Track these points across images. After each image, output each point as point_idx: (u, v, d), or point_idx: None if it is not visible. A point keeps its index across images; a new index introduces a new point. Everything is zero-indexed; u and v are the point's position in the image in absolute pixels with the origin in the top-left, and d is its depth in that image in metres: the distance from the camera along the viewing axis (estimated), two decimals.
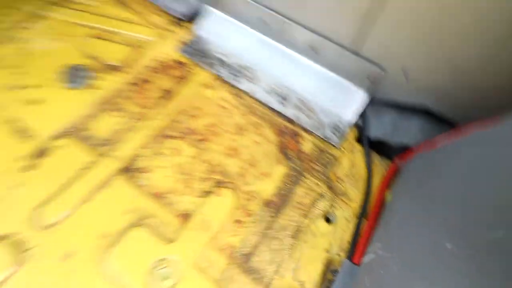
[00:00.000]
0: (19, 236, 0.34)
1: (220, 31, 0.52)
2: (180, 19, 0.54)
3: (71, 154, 0.40)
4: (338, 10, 0.41)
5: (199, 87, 0.49)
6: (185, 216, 0.38)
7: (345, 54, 0.45)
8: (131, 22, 0.53)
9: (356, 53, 0.45)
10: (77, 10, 0.53)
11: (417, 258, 0.29)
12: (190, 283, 0.33)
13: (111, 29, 0.52)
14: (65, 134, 0.42)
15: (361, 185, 0.43)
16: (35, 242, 0.34)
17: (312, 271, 0.37)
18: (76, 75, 0.46)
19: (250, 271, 0.35)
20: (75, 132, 0.42)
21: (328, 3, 0.40)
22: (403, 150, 0.44)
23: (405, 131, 0.44)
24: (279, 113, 0.47)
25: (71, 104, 0.44)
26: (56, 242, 0.34)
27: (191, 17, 0.54)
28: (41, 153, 0.40)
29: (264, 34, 0.51)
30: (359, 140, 0.47)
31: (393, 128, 0.45)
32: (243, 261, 0.36)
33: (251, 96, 0.48)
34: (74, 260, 0.33)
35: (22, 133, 0.41)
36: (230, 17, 0.53)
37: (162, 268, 0.34)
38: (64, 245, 0.34)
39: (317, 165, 0.44)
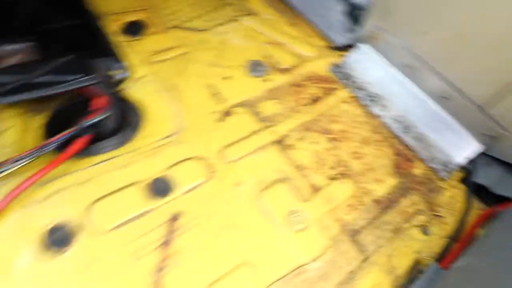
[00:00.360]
0: (211, 161, 0.50)
1: (365, 63, 0.65)
2: (336, 47, 0.69)
3: (245, 120, 0.56)
4: (482, 73, 0.50)
5: (339, 101, 0.62)
6: (315, 188, 0.50)
7: (473, 108, 0.54)
8: (297, 39, 0.69)
9: (483, 110, 0.53)
10: (261, 21, 0.72)
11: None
12: (314, 231, 0.45)
13: (283, 41, 0.69)
14: (242, 105, 0.58)
15: (457, 215, 0.51)
16: (219, 168, 0.49)
17: (403, 263, 0.45)
18: (256, 68, 0.63)
19: (355, 242, 0.46)
20: (249, 106, 0.58)
21: (476, 67, 0.50)
22: (503, 201, 0.50)
23: (511, 187, 0.51)
24: (400, 139, 0.57)
25: (250, 87, 0.61)
26: (232, 172, 0.49)
27: (345, 48, 0.69)
28: (227, 113, 0.57)
29: (403, 73, 0.62)
30: (464, 180, 0.54)
31: (499, 180, 0.52)
32: (351, 234, 0.46)
33: (379, 119, 0.60)
34: (241, 188, 0.48)
35: (217, 96, 0.59)
36: (377, 54, 0.65)
37: (296, 216, 0.46)
38: (236, 176, 0.49)
39: (423, 188, 0.53)
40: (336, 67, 0.66)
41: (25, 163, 0.43)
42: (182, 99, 0.58)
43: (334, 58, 0.68)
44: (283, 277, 0.41)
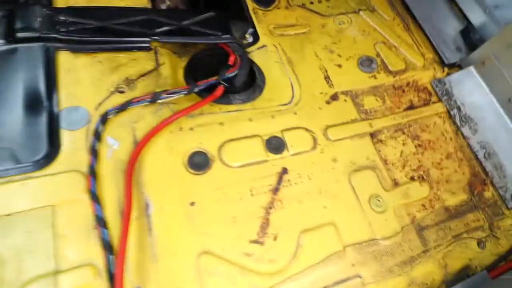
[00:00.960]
0: (316, 135, 0.58)
1: (467, 84, 0.69)
2: (444, 62, 0.72)
3: (347, 107, 0.64)
4: None
5: (434, 113, 0.67)
6: (396, 182, 0.58)
7: None
8: (410, 46, 0.73)
9: None
10: (379, 20, 0.76)
11: None
12: (390, 216, 0.54)
13: (396, 44, 0.73)
14: (347, 93, 0.65)
15: None
16: (321, 143, 0.58)
17: (455, 264, 0.53)
18: (367, 63, 0.69)
19: (420, 235, 0.54)
20: (353, 96, 0.65)
21: None
22: None
23: None
24: (480, 162, 0.62)
25: (357, 79, 0.67)
26: (331, 149, 0.58)
27: (452, 65, 0.72)
28: (334, 97, 0.64)
29: (501, 104, 0.66)
30: None
31: None
32: (418, 228, 0.55)
33: (466, 140, 0.64)
34: (337, 164, 0.56)
35: (327, 79, 0.66)
36: (481, 79, 0.68)
37: (377, 200, 0.54)
38: (334, 153, 0.57)
39: (489, 210, 0.59)
40: (439, 82, 0.70)
41: (176, 96, 0.54)
42: (297, 74, 0.65)
43: (439, 72, 0.72)
44: (359, 243, 0.51)
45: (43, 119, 0.46)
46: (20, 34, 0.50)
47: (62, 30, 0.53)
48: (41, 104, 0.47)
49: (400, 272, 0.52)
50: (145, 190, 0.47)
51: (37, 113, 0.46)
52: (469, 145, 0.66)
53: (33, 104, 0.46)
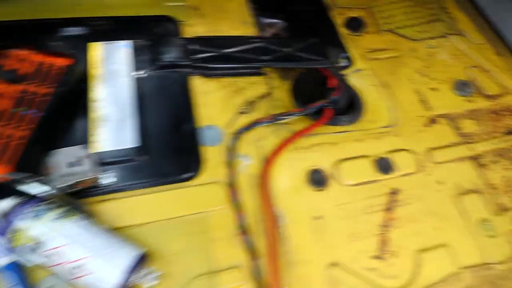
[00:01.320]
0: (420, 157, 0.60)
1: None
2: None
3: (447, 130, 0.65)
4: None
5: None
6: (502, 207, 0.58)
7: None
8: (502, 69, 0.74)
9: None
10: (468, 44, 0.77)
11: None
12: (501, 241, 0.54)
13: (488, 68, 0.74)
14: (445, 117, 0.67)
15: None
16: (426, 165, 0.59)
17: None
18: (462, 87, 0.71)
19: None
20: (451, 119, 0.67)
21: None
22: None
23: None
24: None
25: (453, 103, 0.69)
26: (436, 171, 0.59)
27: None
28: (432, 120, 0.66)
29: None
30: None
31: None
32: None
33: None
34: (443, 187, 0.58)
35: (424, 103, 0.68)
36: None
37: (488, 224, 0.55)
38: (439, 176, 0.58)
39: None
40: None
41: (292, 117, 0.59)
42: (394, 97, 0.68)
43: None
44: (473, 266, 0.52)
45: (189, 136, 0.52)
46: (163, 62, 0.59)
47: (194, 58, 0.61)
48: (185, 123, 0.54)
49: None
50: (275, 203, 0.51)
51: (183, 131, 0.53)
52: None
53: (179, 122, 0.53)
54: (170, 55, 0.59)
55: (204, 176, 0.50)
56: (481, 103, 0.70)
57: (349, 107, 0.67)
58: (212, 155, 0.53)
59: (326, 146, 0.59)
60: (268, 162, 0.52)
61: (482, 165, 0.63)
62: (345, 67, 0.72)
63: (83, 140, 0.49)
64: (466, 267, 0.52)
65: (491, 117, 0.69)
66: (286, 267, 0.46)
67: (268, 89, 0.64)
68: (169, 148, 0.51)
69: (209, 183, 0.50)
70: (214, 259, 0.45)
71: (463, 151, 0.64)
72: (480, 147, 0.65)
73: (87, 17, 0.64)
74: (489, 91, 0.71)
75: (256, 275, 0.43)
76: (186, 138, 0.52)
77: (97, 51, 0.59)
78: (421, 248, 0.52)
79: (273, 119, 0.57)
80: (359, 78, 0.71)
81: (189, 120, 0.54)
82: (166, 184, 0.48)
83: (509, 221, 0.57)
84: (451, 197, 0.58)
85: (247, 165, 0.53)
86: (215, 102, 0.58)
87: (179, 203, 0.47)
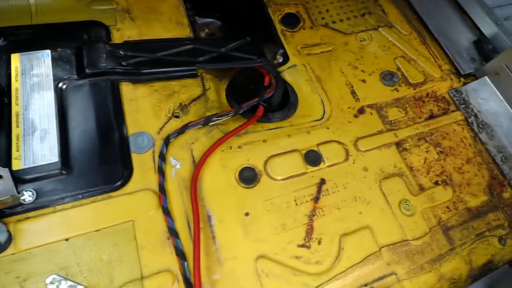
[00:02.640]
0: (347, 147, 0.65)
1: (483, 93, 0.75)
2: (460, 73, 0.78)
3: (373, 119, 0.70)
4: None
5: (452, 121, 0.73)
6: (421, 187, 0.64)
7: None
8: (427, 59, 0.79)
9: None
10: (397, 35, 0.81)
11: None
12: (418, 219, 0.60)
13: (414, 58, 0.79)
14: (372, 106, 0.71)
15: None
16: (353, 154, 0.64)
17: (479, 260, 0.59)
18: (389, 77, 0.75)
19: (446, 235, 0.60)
20: (378, 109, 0.71)
21: None
22: None
23: None
24: (498, 165, 0.68)
25: (380, 92, 0.74)
26: (362, 159, 0.64)
27: (467, 75, 0.77)
28: (360, 110, 0.70)
29: None
30: None
31: None
32: (444, 229, 0.61)
33: (483, 145, 0.70)
34: (368, 173, 0.63)
35: (353, 94, 0.72)
36: (496, 89, 0.74)
37: (406, 204, 0.60)
38: (365, 163, 0.63)
39: (508, 209, 0.65)
40: (456, 91, 0.75)
41: (225, 118, 0.61)
42: (326, 91, 0.72)
43: (455, 82, 0.77)
44: (392, 244, 0.57)
45: (117, 145, 0.53)
46: (89, 70, 0.58)
47: (123, 63, 0.60)
48: (113, 131, 0.54)
49: (430, 269, 0.58)
50: (206, 204, 0.54)
51: (111, 140, 0.53)
52: (487, 150, 0.71)
53: (107, 131, 0.54)
54: (98, 62, 0.59)
55: (133, 184, 0.52)
56: (406, 92, 0.75)
57: (283, 104, 0.70)
58: (142, 162, 0.54)
59: (258, 144, 0.61)
60: (198, 165, 0.54)
61: (405, 149, 0.68)
62: (281, 64, 0.75)
63: (5, 157, 0.49)
64: (385, 246, 0.57)
65: (415, 104, 0.75)
66: (216, 265, 0.50)
67: (203, 90, 0.65)
68: (96, 159, 0.51)
69: (139, 190, 0.51)
70: (143, 265, 0.47)
71: (388, 137, 0.68)
72: (404, 133, 0.70)
73: (7, 27, 0.62)
74: (414, 79, 0.76)
75: (185, 277, 0.46)
76: (115, 147, 0.53)
77: (17, 62, 0.58)
78: (345, 232, 0.57)
79: (205, 121, 0.59)
80: (295, 74, 0.74)
81: (118, 128, 0.55)
82: (94, 195, 0.49)
83: (426, 200, 0.63)
84: (376, 182, 0.63)
85: (178, 169, 0.55)
86: (146, 107, 0.59)
87: (107, 213, 0.49)
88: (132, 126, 0.57)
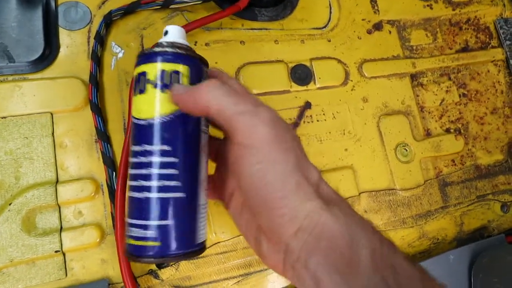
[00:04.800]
0: (349, 69, 0.51)
1: None
2: None
3: (391, 40, 0.54)
4: None
5: (489, 59, 0.57)
6: (428, 133, 0.52)
7: None
8: None
9: None
10: None
11: None
12: (414, 168, 0.50)
13: None
14: (394, 24, 0.55)
15: None
16: (354, 79, 0.51)
17: (472, 223, 0.51)
18: None
19: (442, 191, 0.51)
20: (400, 28, 0.55)
21: None
22: None
23: None
24: None
25: (408, 7, 0.56)
26: (364, 87, 0.51)
27: None
28: (377, 26, 0.54)
29: None
30: None
31: None
32: (442, 184, 0.51)
33: None
34: (367, 105, 0.50)
35: (374, 4, 0.55)
36: None
37: (404, 149, 0.50)
38: (366, 92, 0.50)
39: None
40: (505, 22, 0.58)
41: (193, 3, 0.46)
42: None
43: (508, 10, 0.59)
44: (376, 191, 0.48)
45: (39, 12, 0.39)
46: None
47: None
48: None
49: (413, 224, 0.49)
50: None
51: (33, 6, 0.39)
52: None
53: None
54: None
55: (57, 68, 0.39)
56: (442, 12, 0.58)
57: (278, 0, 0.54)
58: (73, 42, 0.41)
59: (232, 45, 0.47)
60: None
61: (420, 84, 0.54)
62: None
63: None
64: (367, 191, 0.48)
65: (449, 30, 0.58)
66: None
67: None
68: (11, 29, 0.38)
69: (64, 77, 0.39)
70: (59, 168, 0.37)
71: (404, 66, 0.54)
72: (425, 64, 0.55)
73: None
74: None
75: (110, 188, 0.37)
76: (38, 17, 0.39)
77: None
78: (322, 169, 0.47)
79: (165, 1, 0.44)
80: None
81: None
82: (3, 74, 0.38)
83: (429, 148, 0.52)
84: (374, 117, 0.51)
85: (120, 59, 0.42)
86: None
87: (18, 99, 0.38)
88: None
